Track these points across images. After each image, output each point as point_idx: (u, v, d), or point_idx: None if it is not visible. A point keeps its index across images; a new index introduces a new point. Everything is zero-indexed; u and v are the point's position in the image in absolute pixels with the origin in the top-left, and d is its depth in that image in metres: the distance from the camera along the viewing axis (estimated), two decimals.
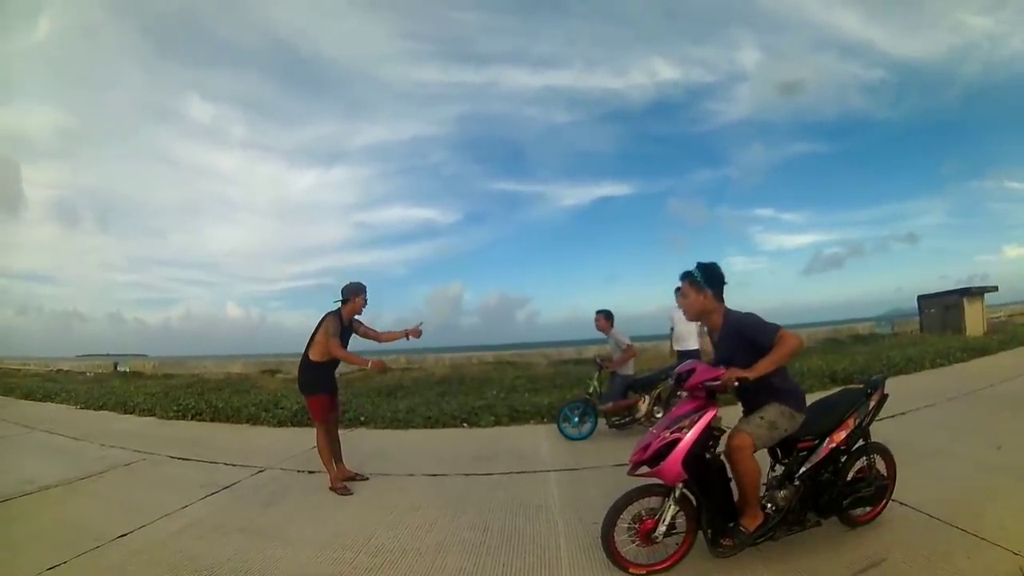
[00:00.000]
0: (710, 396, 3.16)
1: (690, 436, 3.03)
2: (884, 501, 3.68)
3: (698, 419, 3.08)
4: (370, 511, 4.55)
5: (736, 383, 3.04)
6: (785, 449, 3.38)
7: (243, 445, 7.21)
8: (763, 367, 3.02)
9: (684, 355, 8.27)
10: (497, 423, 7.91)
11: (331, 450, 5.27)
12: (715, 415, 3.13)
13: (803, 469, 3.32)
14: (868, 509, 3.62)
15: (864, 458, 3.62)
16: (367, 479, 5.39)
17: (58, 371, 21.82)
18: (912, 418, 6.66)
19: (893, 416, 6.64)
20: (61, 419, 9.73)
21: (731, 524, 3.17)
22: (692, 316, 3.54)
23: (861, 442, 3.58)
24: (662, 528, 3.11)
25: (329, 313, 5.24)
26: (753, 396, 3.27)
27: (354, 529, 4.14)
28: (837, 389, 8.73)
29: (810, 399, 3.49)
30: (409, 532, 4.05)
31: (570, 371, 12.18)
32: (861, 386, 3.72)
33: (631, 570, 3.19)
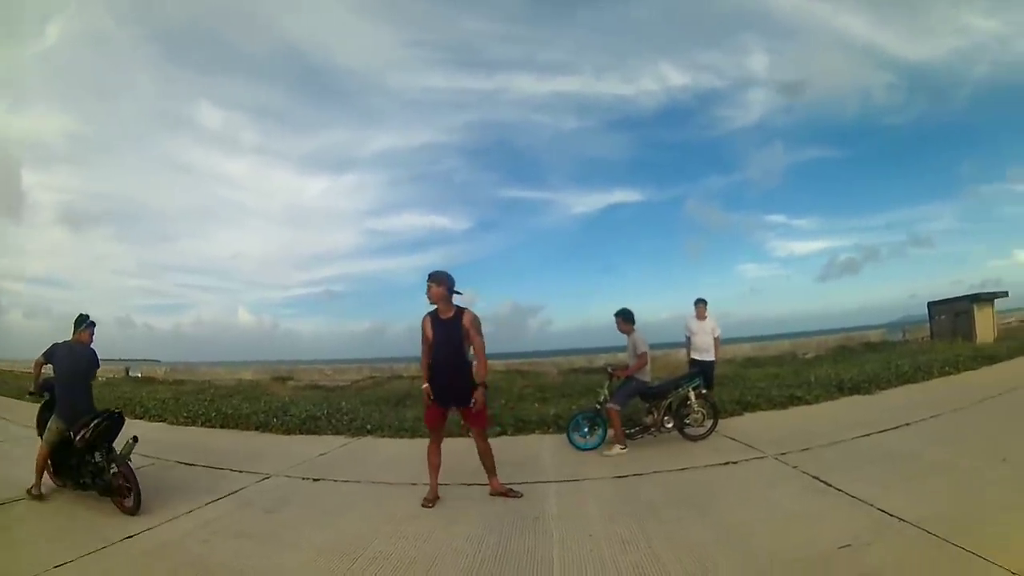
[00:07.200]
0: None
1: None
2: None
3: None
4: (370, 519, 4.61)
5: None
6: None
7: (251, 451, 7.29)
8: None
9: (699, 365, 8.26)
10: (502, 433, 7.87)
11: (436, 462, 5.04)
12: None
13: None
14: None
15: None
16: (520, 496, 5.05)
17: None
18: (916, 429, 6.59)
19: (897, 427, 6.63)
20: None
21: None
22: None
23: None
24: None
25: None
26: None
27: (354, 536, 4.21)
28: (844, 399, 8.81)
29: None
30: (407, 541, 4.09)
31: (580, 380, 12.08)
32: None
33: None
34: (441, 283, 4.87)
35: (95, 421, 4.95)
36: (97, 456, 4.97)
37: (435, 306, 4.95)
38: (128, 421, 9.81)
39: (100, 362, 5.60)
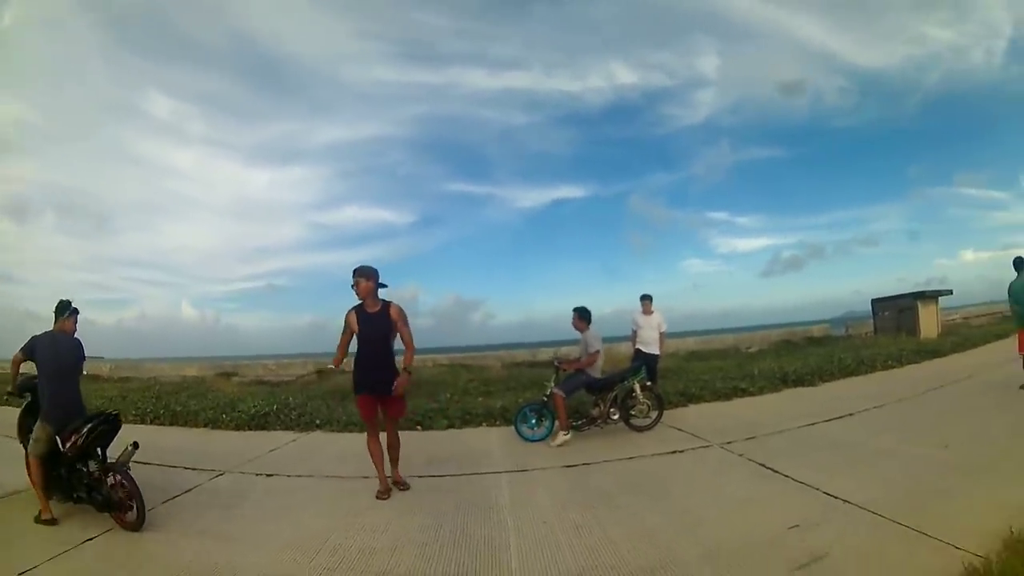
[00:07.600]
0: None
1: None
2: None
3: None
4: (327, 513, 4.58)
5: None
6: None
7: (202, 449, 7.10)
8: None
9: (643, 357, 8.41)
10: (450, 426, 7.93)
11: (378, 453, 5.05)
12: None
13: None
14: None
15: None
16: (408, 488, 5.12)
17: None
18: (861, 419, 6.85)
19: (841, 417, 6.89)
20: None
21: None
22: None
23: None
24: None
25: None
26: None
27: (312, 530, 4.17)
28: (788, 390, 9.04)
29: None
30: (365, 533, 4.09)
31: (523, 374, 12.14)
32: None
33: None
34: (369, 277, 4.93)
35: (88, 426, 4.31)
36: (91, 465, 4.37)
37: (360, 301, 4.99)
38: None
39: (86, 354, 4.95)
